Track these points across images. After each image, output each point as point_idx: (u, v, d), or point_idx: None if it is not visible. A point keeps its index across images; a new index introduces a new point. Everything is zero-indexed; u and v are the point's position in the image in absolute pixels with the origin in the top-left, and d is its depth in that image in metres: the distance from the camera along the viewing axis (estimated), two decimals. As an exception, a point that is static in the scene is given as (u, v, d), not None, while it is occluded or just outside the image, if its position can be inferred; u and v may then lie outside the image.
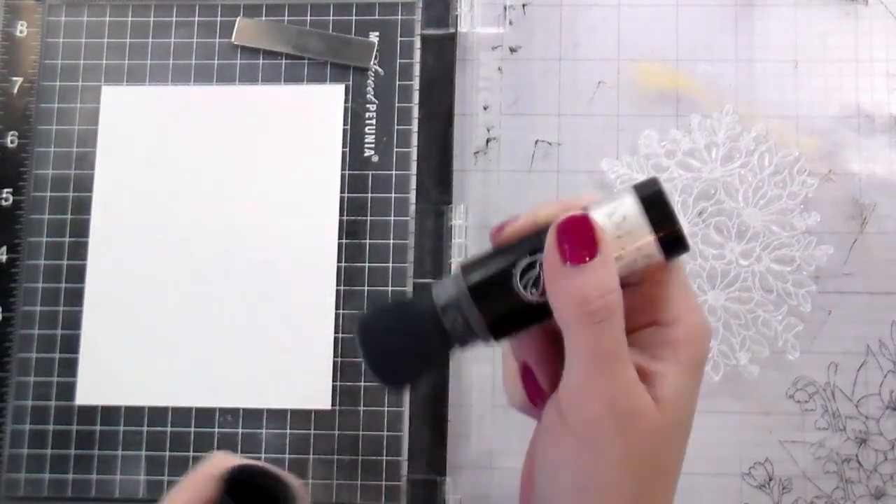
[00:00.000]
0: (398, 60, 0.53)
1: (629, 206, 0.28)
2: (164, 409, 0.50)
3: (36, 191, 0.52)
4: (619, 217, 0.28)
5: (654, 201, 0.27)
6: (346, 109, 0.53)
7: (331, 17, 0.53)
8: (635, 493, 0.28)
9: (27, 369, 0.51)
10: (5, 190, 0.52)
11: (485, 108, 0.53)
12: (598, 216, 0.27)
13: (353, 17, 0.53)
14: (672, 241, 0.28)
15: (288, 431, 0.50)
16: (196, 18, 0.54)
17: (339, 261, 0.51)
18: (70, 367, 0.51)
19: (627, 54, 0.53)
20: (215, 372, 0.50)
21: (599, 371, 0.27)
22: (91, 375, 0.51)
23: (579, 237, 0.27)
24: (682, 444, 0.29)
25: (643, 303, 0.29)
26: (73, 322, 0.51)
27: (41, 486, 0.50)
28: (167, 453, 0.50)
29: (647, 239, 0.27)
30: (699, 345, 0.29)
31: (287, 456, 0.49)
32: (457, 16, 0.53)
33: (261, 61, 0.53)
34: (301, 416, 0.50)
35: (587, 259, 0.27)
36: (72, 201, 0.52)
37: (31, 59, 0.53)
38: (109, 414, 0.50)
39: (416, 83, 0.53)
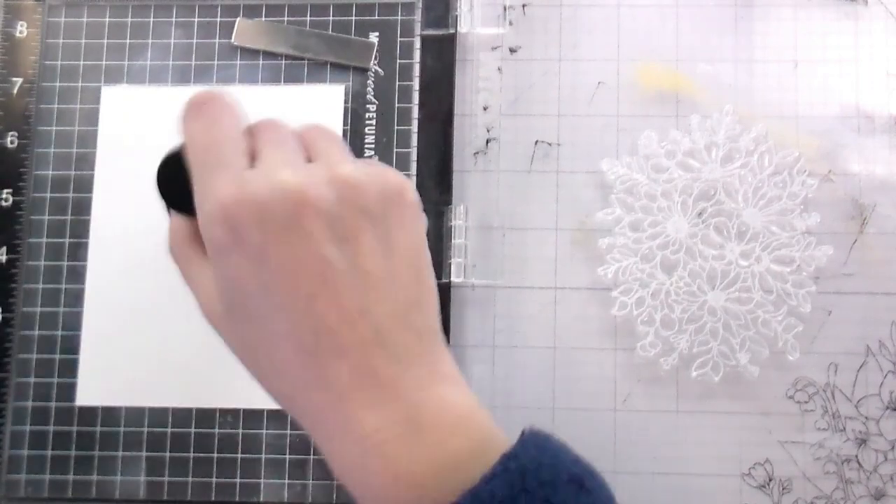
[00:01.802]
0: (398, 61, 0.53)
1: None
2: (165, 410, 0.50)
3: (36, 191, 0.52)
4: None
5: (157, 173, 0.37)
6: (346, 110, 0.53)
7: (330, 18, 0.53)
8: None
9: (27, 370, 0.51)
10: (5, 190, 0.52)
11: (485, 109, 0.53)
12: None
13: (353, 18, 0.53)
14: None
15: (288, 432, 0.50)
16: (196, 19, 0.54)
17: (339, 261, 0.51)
18: (70, 368, 0.51)
19: (627, 54, 0.53)
20: (215, 372, 0.50)
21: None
22: (91, 376, 0.51)
23: None
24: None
25: None
26: (74, 323, 0.51)
27: (41, 486, 0.50)
28: (167, 454, 0.50)
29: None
30: (201, 221, 0.33)
31: (287, 456, 0.49)
32: (457, 16, 0.53)
33: (261, 62, 0.53)
34: (301, 417, 0.50)
35: None
36: (72, 202, 0.52)
37: (31, 60, 0.53)
38: (110, 415, 0.50)
39: (415, 83, 0.53)
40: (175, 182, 0.35)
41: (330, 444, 0.32)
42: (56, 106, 0.53)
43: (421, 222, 0.35)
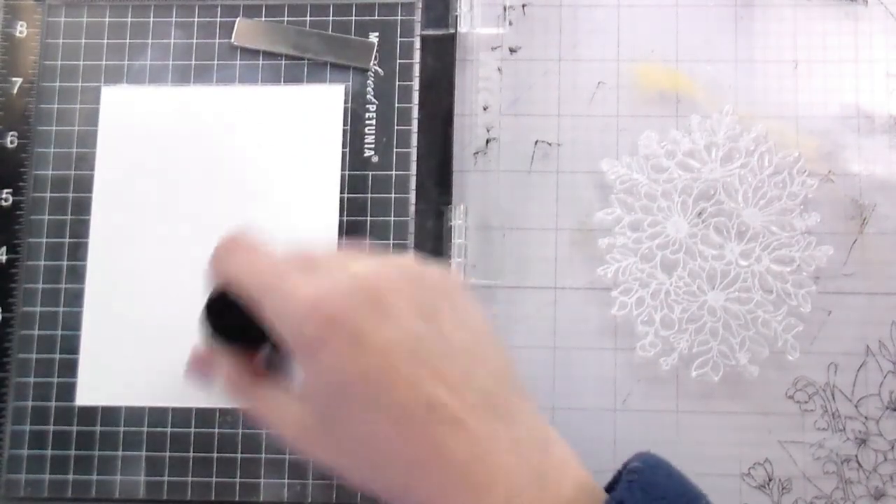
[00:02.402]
0: (398, 61, 0.53)
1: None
2: (164, 410, 0.50)
3: (36, 191, 0.52)
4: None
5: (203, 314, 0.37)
6: (345, 110, 0.53)
7: (330, 18, 0.53)
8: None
9: (27, 370, 0.51)
10: (5, 190, 0.52)
11: (484, 109, 0.53)
12: None
13: (353, 18, 0.53)
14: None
15: (288, 432, 0.50)
16: (196, 19, 0.54)
17: (339, 261, 0.51)
18: (70, 368, 0.51)
19: (627, 54, 0.53)
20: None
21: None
22: (91, 376, 0.51)
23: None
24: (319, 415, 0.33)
25: None
26: (73, 323, 0.51)
27: (41, 486, 0.50)
28: (167, 454, 0.50)
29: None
30: (287, 329, 0.33)
31: (287, 456, 0.50)
32: (457, 16, 0.53)
33: (260, 62, 0.53)
34: (301, 417, 0.50)
35: None
36: (72, 202, 0.52)
37: (31, 60, 0.53)
38: (110, 414, 0.50)
39: (415, 83, 0.53)
40: (222, 321, 0.36)
41: None
42: (56, 106, 0.53)
43: (481, 309, 0.35)
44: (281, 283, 0.33)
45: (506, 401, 0.31)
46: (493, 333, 0.34)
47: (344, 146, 0.52)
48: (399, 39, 0.53)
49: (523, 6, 0.54)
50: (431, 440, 0.30)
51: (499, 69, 0.53)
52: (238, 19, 0.54)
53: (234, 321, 0.34)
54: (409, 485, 0.31)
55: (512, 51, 0.53)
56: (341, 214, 0.52)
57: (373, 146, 0.52)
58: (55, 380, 0.51)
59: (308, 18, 0.53)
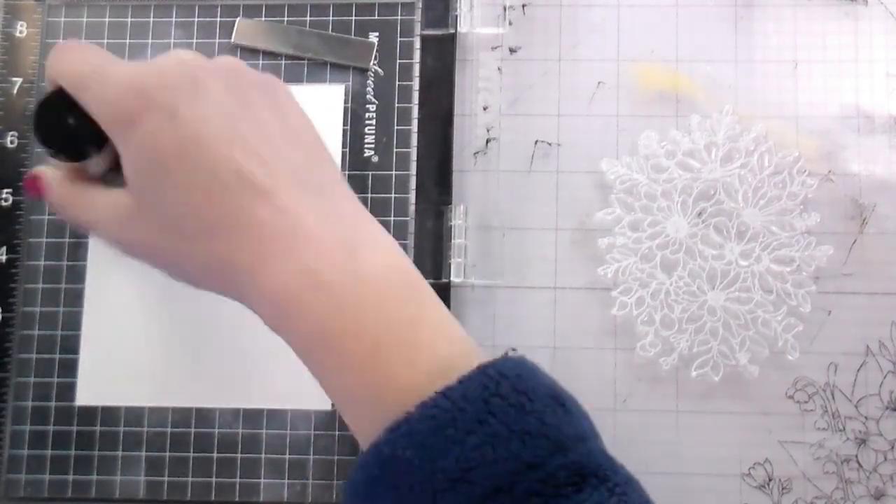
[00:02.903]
0: (398, 61, 0.53)
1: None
2: (165, 410, 0.50)
3: (36, 191, 0.52)
4: None
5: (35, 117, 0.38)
6: (345, 110, 0.53)
7: (330, 18, 0.53)
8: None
9: (27, 370, 0.51)
10: (5, 190, 0.52)
11: (484, 109, 0.53)
12: None
13: (353, 18, 0.53)
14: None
15: (288, 432, 0.50)
16: (196, 19, 0.54)
17: (339, 261, 0.51)
18: (70, 368, 0.51)
19: (627, 54, 0.53)
20: (215, 372, 0.50)
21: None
22: (91, 376, 0.51)
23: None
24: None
25: None
26: (73, 323, 0.51)
27: (41, 486, 0.50)
28: (167, 454, 0.50)
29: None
30: (105, 110, 0.35)
31: (287, 456, 0.49)
32: (457, 16, 0.53)
33: (260, 62, 0.53)
34: (301, 417, 0.50)
35: None
36: (72, 202, 0.52)
37: (31, 60, 0.53)
38: (109, 414, 0.50)
39: (415, 83, 0.53)
40: (54, 126, 0.37)
41: (264, 291, 0.32)
42: (56, 106, 0.53)
43: (302, 109, 0.37)
44: (103, 69, 0.35)
45: (316, 178, 0.34)
46: (313, 129, 0.36)
47: (344, 146, 0.52)
48: (399, 39, 0.53)
49: (523, 6, 0.54)
50: (241, 208, 0.32)
51: (499, 69, 0.53)
52: (238, 19, 0.54)
53: (63, 129, 0.36)
54: (218, 255, 0.33)
55: (512, 51, 0.53)
56: (341, 214, 0.52)
57: (373, 146, 0.52)
58: (55, 380, 0.51)
59: (308, 18, 0.53)
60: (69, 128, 0.36)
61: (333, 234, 0.32)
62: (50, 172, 0.39)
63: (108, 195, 0.36)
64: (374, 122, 0.52)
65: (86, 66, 0.36)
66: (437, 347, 0.31)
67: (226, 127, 0.33)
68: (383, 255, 0.33)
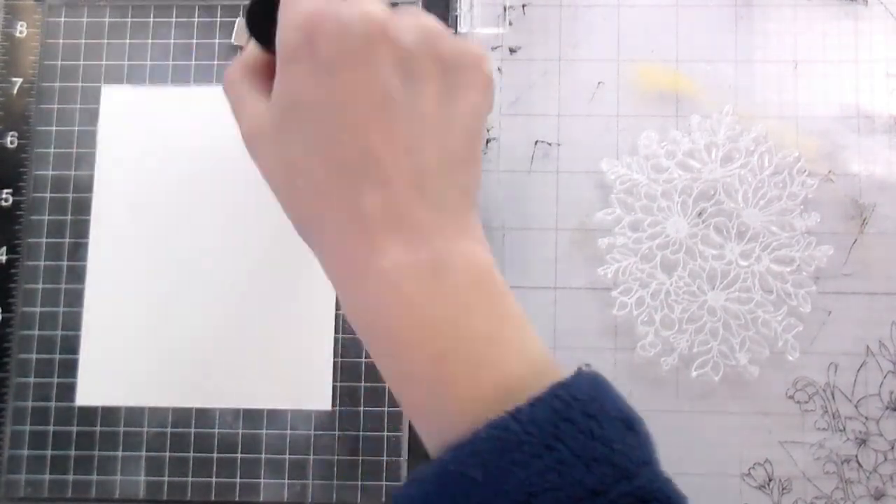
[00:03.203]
0: (398, 61, 0.53)
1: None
2: (165, 410, 0.50)
3: (36, 191, 0.52)
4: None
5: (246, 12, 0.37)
6: (345, 110, 0.53)
7: (330, 18, 0.53)
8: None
9: (27, 370, 0.51)
10: (5, 190, 0.52)
11: (485, 109, 0.53)
12: None
13: (353, 18, 0.53)
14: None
15: (288, 432, 0.50)
16: (196, 19, 0.54)
17: (339, 261, 0.51)
18: (70, 368, 0.51)
19: (627, 54, 0.53)
20: (215, 372, 0.50)
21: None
22: (91, 376, 0.51)
23: None
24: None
25: None
26: (73, 323, 0.51)
27: (41, 486, 0.50)
28: (167, 454, 0.50)
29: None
30: (280, 34, 0.33)
31: (287, 456, 0.49)
32: (456, 16, 0.53)
33: (260, 62, 0.53)
34: (301, 417, 0.50)
35: None
36: (71, 202, 0.52)
37: (31, 60, 0.53)
38: (109, 414, 0.50)
39: (415, 83, 0.53)
40: (263, 19, 0.36)
41: (345, 278, 0.32)
42: (56, 106, 0.53)
43: (489, 96, 0.35)
44: None
45: (440, 183, 0.32)
46: (475, 127, 0.34)
47: (344, 146, 0.52)
48: (399, 39, 0.53)
49: (523, 6, 0.54)
50: (351, 187, 0.31)
51: (499, 69, 0.53)
52: (238, 19, 0.53)
53: (270, 21, 0.35)
54: (319, 223, 0.32)
55: (512, 51, 0.53)
56: (341, 214, 0.51)
57: (373, 146, 0.52)
58: (55, 380, 0.51)
59: (308, 18, 0.53)
60: (263, 26, 0.36)
61: (426, 243, 0.31)
62: (249, 54, 0.37)
63: (257, 101, 0.35)
64: (374, 122, 0.52)
65: None
66: (511, 364, 0.31)
67: (376, 103, 0.31)
68: (473, 273, 0.32)
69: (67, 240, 0.52)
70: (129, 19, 0.54)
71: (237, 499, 0.49)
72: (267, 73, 0.36)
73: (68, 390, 0.51)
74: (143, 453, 0.50)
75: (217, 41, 0.54)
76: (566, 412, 0.29)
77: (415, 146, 0.32)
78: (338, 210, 0.31)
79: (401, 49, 0.32)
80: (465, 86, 0.33)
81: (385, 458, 0.49)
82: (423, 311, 0.30)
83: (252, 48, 0.37)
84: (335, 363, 0.50)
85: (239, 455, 0.50)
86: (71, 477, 0.50)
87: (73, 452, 0.50)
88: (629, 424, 0.31)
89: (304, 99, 0.32)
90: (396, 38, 0.32)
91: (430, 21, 0.33)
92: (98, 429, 0.50)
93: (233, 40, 0.53)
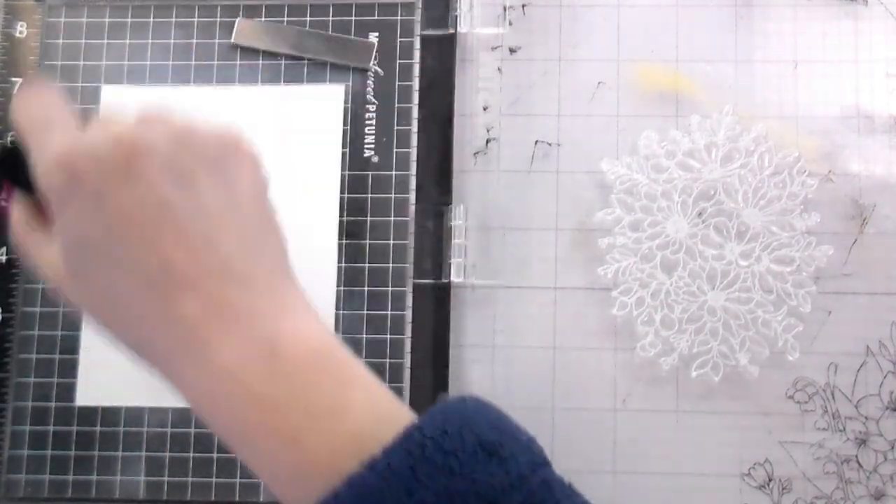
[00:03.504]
0: (398, 61, 0.53)
1: None
2: (164, 410, 0.50)
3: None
4: None
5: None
6: (345, 110, 0.53)
7: (330, 18, 0.53)
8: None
9: (27, 370, 0.51)
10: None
11: (485, 109, 0.53)
12: None
13: (353, 18, 0.53)
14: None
15: (288, 432, 0.50)
16: (196, 19, 0.54)
17: (339, 261, 0.51)
18: (70, 368, 0.51)
19: (627, 54, 0.53)
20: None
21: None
22: (91, 376, 0.51)
23: None
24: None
25: None
26: (74, 323, 0.51)
27: (41, 486, 0.50)
28: (167, 454, 0.50)
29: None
30: (41, 180, 0.33)
31: (287, 456, 0.49)
32: (456, 16, 0.53)
33: (260, 62, 0.53)
34: (301, 417, 0.50)
35: None
36: (72, 202, 0.52)
37: (31, 60, 0.53)
38: (109, 415, 0.50)
39: (415, 83, 0.53)
40: (17, 168, 0.36)
41: (186, 383, 0.32)
42: (56, 106, 0.53)
43: (259, 169, 0.35)
44: (46, 133, 0.34)
45: (250, 264, 0.32)
46: (262, 204, 0.35)
47: (344, 146, 0.52)
48: (399, 39, 0.53)
49: (523, 6, 0.54)
50: (163, 300, 0.31)
51: (499, 69, 0.53)
52: (238, 19, 0.54)
53: (25, 167, 0.35)
54: (144, 341, 0.32)
55: (512, 51, 0.53)
56: (341, 214, 0.52)
57: (373, 146, 0.52)
58: (55, 380, 0.51)
59: (308, 18, 0.53)
60: (17, 175, 0.36)
61: (255, 329, 0.31)
62: (18, 207, 0.37)
63: (52, 248, 0.35)
64: (374, 122, 0.52)
65: (32, 124, 0.35)
66: (361, 422, 0.31)
67: (157, 213, 0.31)
68: (307, 345, 0.32)
69: (67, 240, 0.52)
70: (129, 19, 0.54)
71: (237, 499, 0.49)
72: (46, 213, 0.36)
73: (68, 390, 0.51)
74: (143, 453, 0.50)
75: (217, 41, 0.54)
76: (421, 452, 0.29)
77: (209, 240, 0.32)
78: (160, 325, 0.31)
79: (160, 157, 0.32)
80: (234, 167, 0.34)
81: (385, 458, 0.49)
82: (267, 396, 0.30)
83: (18, 201, 0.37)
84: (335, 363, 0.50)
85: (239, 455, 0.50)
86: (71, 477, 0.50)
87: (73, 452, 0.50)
88: (491, 449, 0.30)
89: (89, 234, 0.32)
90: (152, 149, 0.32)
91: (177, 119, 0.34)
92: (98, 429, 0.50)
93: (233, 40, 0.53)
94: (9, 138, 0.37)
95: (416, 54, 0.53)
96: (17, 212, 0.37)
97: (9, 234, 0.37)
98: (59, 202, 0.32)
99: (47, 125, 0.34)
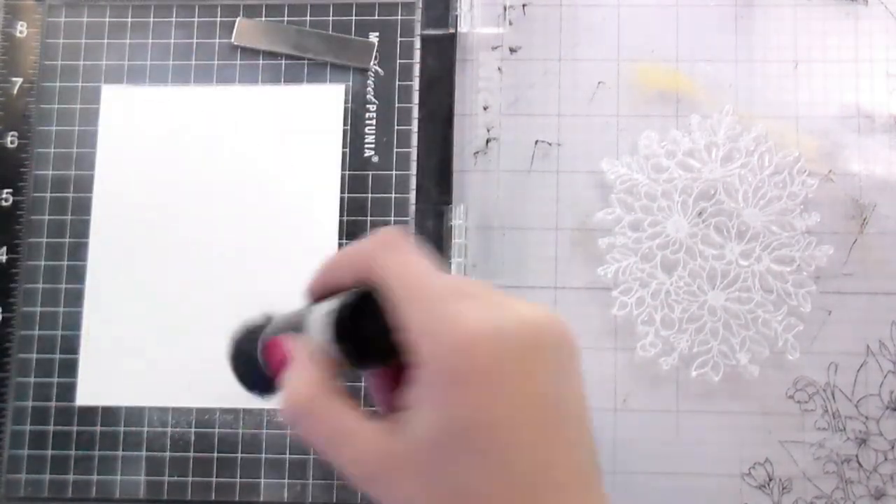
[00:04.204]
0: (398, 61, 0.53)
1: (317, 315, 0.31)
2: (164, 410, 0.50)
3: (36, 191, 0.52)
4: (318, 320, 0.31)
5: (341, 317, 0.30)
6: (346, 110, 0.53)
7: (330, 18, 0.53)
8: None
9: (27, 370, 0.51)
10: (5, 190, 0.52)
11: (485, 109, 0.53)
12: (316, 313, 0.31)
13: (353, 18, 0.53)
14: (356, 353, 0.30)
15: (288, 432, 0.50)
16: (196, 19, 0.54)
17: (339, 261, 0.51)
18: (70, 368, 0.51)
19: (627, 54, 0.53)
20: (215, 372, 0.50)
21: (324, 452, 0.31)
22: (91, 376, 0.51)
23: (276, 354, 0.33)
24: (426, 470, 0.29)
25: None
26: (73, 323, 0.51)
27: (42, 486, 0.50)
28: (167, 454, 0.50)
29: (333, 346, 0.30)
30: (432, 353, 0.29)
31: (287, 456, 0.49)
32: (457, 16, 0.53)
33: (260, 62, 0.53)
34: (301, 417, 0.50)
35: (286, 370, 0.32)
36: (72, 202, 0.52)
37: (31, 60, 0.53)
38: (110, 414, 0.50)
39: (416, 83, 0.53)
40: (350, 329, 0.31)
41: None
42: (56, 106, 0.53)
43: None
44: (440, 301, 0.29)
45: (595, 475, 0.31)
46: (584, 400, 0.32)
47: (344, 146, 0.52)
48: (399, 39, 0.53)
49: (523, 6, 0.54)
50: (530, 498, 0.29)
51: (499, 69, 0.53)
52: (238, 19, 0.54)
53: (363, 331, 0.30)
54: None
55: (512, 51, 0.53)
56: (341, 214, 0.52)
57: (373, 146, 0.52)
58: (55, 380, 0.51)
59: (308, 18, 0.53)
60: (366, 335, 0.31)
61: None
62: (320, 365, 0.32)
63: (370, 428, 0.30)
64: (374, 122, 0.52)
65: (412, 289, 0.30)
66: None
67: (542, 406, 0.29)
68: None
69: (67, 240, 0.52)
70: (129, 19, 0.54)
71: (237, 499, 0.49)
72: (339, 387, 0.31)
73: (68, 390, 0.51)
74: (143, 453, 0.50)
75: (217, 41, 0.54)
76: None
77: (573, 440, 0.30)
78: None
79: (556, 351, 0.30)
80: (575, 369, 0.31)
81: (385, 457, 0.49)
82: None
83: (315, 354, 0.32)
84: (335, 363, 0.50)
85: (239, 455, 0.50)
86: (71, 477, 0.50)
87: (73, 452, 0.50)
88: None
89: (471, 424, 0.29)
90: (554, 344, 0.30)
91: (551, 316, 0.31)
92: (98, 429, 0.50)
93: (233, 40, 0.53)
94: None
95: (416, 54, 0.53)
96: (313, 372, 0.31)
97: (290, 399, 0.31)
98: (453, 383, 0.28)
99: (434, 290, 0.30)
